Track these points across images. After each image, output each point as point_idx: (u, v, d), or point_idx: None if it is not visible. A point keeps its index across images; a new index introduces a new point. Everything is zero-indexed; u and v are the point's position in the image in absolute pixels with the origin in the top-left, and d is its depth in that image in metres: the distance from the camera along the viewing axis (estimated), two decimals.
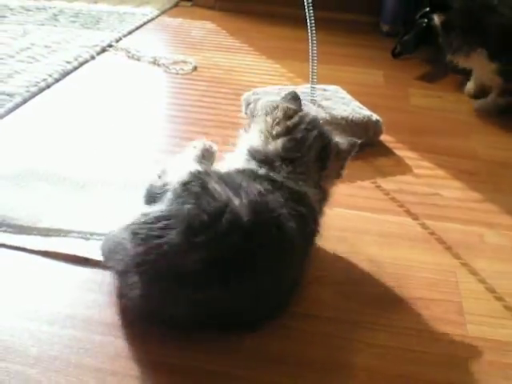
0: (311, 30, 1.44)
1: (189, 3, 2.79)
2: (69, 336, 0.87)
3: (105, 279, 0.96)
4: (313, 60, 1.47)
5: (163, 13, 2.62)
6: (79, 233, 1.08)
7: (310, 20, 1.43)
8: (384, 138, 1.53)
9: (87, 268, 1.01)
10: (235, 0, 2.68)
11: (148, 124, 1.58)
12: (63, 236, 1.07)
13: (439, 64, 1.96)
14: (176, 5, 2.77)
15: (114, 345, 0.86)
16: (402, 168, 1.42)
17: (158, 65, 1.97)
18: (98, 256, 0.98)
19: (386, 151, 1.49)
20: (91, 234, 1.07)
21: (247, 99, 1.56)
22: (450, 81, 2.00)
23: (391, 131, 1.57)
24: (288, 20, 2.30)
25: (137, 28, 2.37)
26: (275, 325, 0.90)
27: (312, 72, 1.49)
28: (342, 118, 1.45)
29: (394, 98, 1.83)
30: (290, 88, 1.59)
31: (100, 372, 0.81)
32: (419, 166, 1.43)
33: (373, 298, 1.00)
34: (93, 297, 0.95)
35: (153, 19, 2.51)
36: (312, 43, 1.45)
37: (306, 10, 1.43)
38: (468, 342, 0.93)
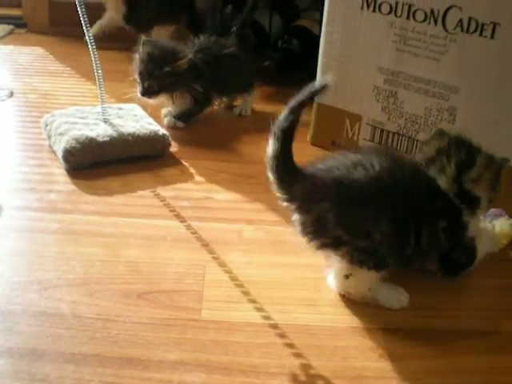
0: (93, 51, 1.53)
1: (24, 30, 2.83)
2: None
3: None
4: (99, 80, 1.57)
5: None
6: None
7: (90, 41, 1.52)
8: (177, 149, 1.65)
9: None
10: (68, 24, 2.71)
11: None
12: None
13: None
14: (11, 32, 2.80)
15: None
16: (185, 177, 1.53)
17: None
18: None
19: (174, 162, 1.59)
20: None
21: (45, 121, 1.63)
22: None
23: (186, 143, 1.69)
24: (119, 42, 2.37)
25: None
26: None
27: (100, 92, 1.59)
28: (129, 134, 1.54)
29: None
30: (86, 108, 1.69)
31: None
32: (202, 174, 1.54)
33: (121, 294, 1.10)
34: None
35: None
36: (96, 64, 1.55)
37: (84, 29, 1.52)
38: (199, 325, 1.04)
